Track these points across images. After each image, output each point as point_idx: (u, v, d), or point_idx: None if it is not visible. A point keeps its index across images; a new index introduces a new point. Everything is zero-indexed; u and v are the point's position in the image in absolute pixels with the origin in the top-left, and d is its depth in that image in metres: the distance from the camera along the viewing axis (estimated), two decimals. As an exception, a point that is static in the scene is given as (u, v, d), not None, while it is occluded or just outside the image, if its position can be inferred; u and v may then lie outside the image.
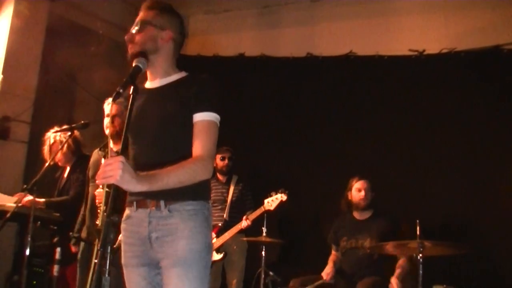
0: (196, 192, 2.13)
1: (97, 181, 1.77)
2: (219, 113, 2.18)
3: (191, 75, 2.29)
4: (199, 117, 2.14)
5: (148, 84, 2.31)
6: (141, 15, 2.28)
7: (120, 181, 1.74)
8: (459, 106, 4.98)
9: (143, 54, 2.16)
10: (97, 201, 3.43)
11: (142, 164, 2.14)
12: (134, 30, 2.24)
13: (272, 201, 4.59)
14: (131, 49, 2.20)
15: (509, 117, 4.76)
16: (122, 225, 2.23)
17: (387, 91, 5.31)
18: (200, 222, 2.12)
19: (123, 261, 2.21)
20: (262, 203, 4.62)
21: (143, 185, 1.85)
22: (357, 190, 4.42)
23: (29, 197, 4.06)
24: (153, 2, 2.31)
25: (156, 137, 2.17)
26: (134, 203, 2.17)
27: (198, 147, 2.09)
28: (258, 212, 4.62)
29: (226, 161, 4.90)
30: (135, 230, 2.17)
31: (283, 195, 4.59)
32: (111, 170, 1.74)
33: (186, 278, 2.04)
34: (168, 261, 2.08)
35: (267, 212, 4.57)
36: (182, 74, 2.30)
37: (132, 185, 1.80)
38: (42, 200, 4.25)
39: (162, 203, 2.11)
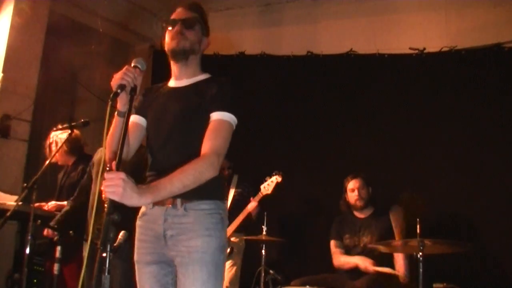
0: (212, 191, 2.14)
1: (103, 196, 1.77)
2: (236, 115, 2.19)
3: (214, 77, 2.31)
4: (215, 115, 2.14)
5: (173, 83, 2.33)
6: (187, 12, 2.28)
7: (122, 197, 1.75)
8: (460, 104, 4.98)
9: (187, 52, 2.22)
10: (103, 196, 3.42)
11: (159, 162, 2.18)
12: (182, 23, 2.23)
13: (268, 185, 4.61)
14: (180, 43, 2.21)
15: (510, 115, 4.76)
16: (138, 222, 2.25)
17: (388, 89, 5.31)
18: (215, 222, 2.12)
19: (135, 257, 2.22)
20: (259, 190, 4.63)
21: (146, 198, 1.85)
22: (351, 191, 4.42)
23: (52, 203, 4.16)
24: (198, 5, 2.32)
25: (173, 133, 2.18)
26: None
27: (207, 144, 2.09)
28: (256, 198, 4.63)
29: (226, 171, 4.92)
30: (150, 227, 2.17)
31: (277, 176, 4.60)
32: (113, 186, 1.74)
33: (199, 277, 2.04)
34: (182, 260, 2.08)
35: (266, 196, 4.58)
36: (206, 75, 2.33)
37: (135, 200, 1.80)
38: (65, 202, 4.30)
39: (178, 201, 2.11)
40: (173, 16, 2.29)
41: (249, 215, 4.70)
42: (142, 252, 2.19)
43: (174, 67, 2.32)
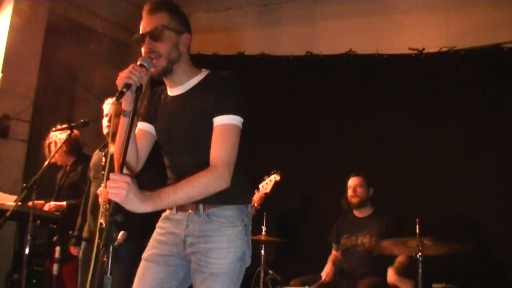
0: (236, 195, 2.09)
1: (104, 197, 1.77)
2: (240, 114, 2.07)
3: (212, 74, 2.19)
4: (218, 121, 2.04)
5: (171, 92, 2.21)
6: (151, 19, 2.10)
7: (124, 201, 1.72)
8: (459, 105, 4.98)
9: (167, 68, 2.09)
10: (100, 199, 3.42)
11: (177, 167, 2.15)
12: (149, 36, 2.07)
13: (267, 184, 4.61)
14: (156, 66, 2.06)
15: (509, 116, 4.76)
16: (159, 224, 2.23)
17: (387, 89, 5.31)
18: (238, 230, 2.09)
19: (145, 254, 2.19)
20: (258, 189, 4.62)
21: (147, 205, 1.80)
22: (349, 188, 4.47)
23: (52, 203, 4.17)
24: (159, 3, 2.12)
25: (185, 146, 2.14)
26: (174, 206, 2.13)
27: (214, 155, 2.00)
28: (256, 197, 4.61)
29: None
30: (171, 231, 2.15)
31: (276, 175, 4.60)
32: (116, 188, 1.71)
33: None
34: (198, 268, 2.06)
35: (264, 195, 4.57)
36: (203, 74, 2.20)
37: (136, 205, 1.76)
38: (64, 203, 4.30)
39: (200, 206, 2.08)
40: (141, 28, 2.13)
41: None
42: (155, 253, 2.16)
43: (164, 80, 2.20)
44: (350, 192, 4.44)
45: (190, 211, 2.10)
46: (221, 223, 2.08)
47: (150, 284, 2.11)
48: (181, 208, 2.12)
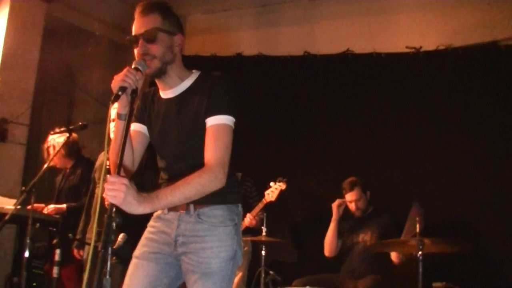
0: (226, 195, 2.10)
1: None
2: (233, 114, 2.09)
3: (203, 75, 2.19)
4: (211, 121, 2.05)
5: (163, 94, 2.21)
6: (145, 21, 2.08)
7: (122, 203, 1.73)
8: (457, 103, 4.98)
9: (161, 69, 2.08)
10: (106, 203, 3.42)
11: (170, 169, 2.16)
12: (143, 38, 2.06)
13: (272, 192, 4.55)
14: (150, 67, 2.05)
15: (507, 114, 4.76)
16: (151, 223, 2.23)
17: (385, 88, 5.31)
18: (228, 230, 2.10)
19: (136, 253, 2.19)
20: (263, 196, 4.59)
21: (145, 207, 1.82)
22: (349, 202, 4.44)
23: (52, 206, 4.16)
24: (151, 4, 2.11)
25: (179, 149, 2.14)
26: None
27: (208, 155, 2.01)
28: (260, 205, 4.57)
29: None
30: (163, 230, 2.16)
31: (282, 183, 4.55)
32: (114, 190, 1.72)
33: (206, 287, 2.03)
34: (190, 267, 2.06)
35: (269, 203, 4.54)
36: (194, 75, 2.20)
37: (134, 207, 1.78)
38: (64, 205, 4.30)
39: (191, 206, 2.08)
40: (134, 29, 2.11)
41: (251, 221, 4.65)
42: (146, 250, 2.16)
43: (157, 82, 2.19)
44: (351, 206, 4.41)
45: (181, 211, 2.11)
46: (211, 222, 2.08)
47: (141, 282, 2.10)
48: (172, 208, 2.12)
